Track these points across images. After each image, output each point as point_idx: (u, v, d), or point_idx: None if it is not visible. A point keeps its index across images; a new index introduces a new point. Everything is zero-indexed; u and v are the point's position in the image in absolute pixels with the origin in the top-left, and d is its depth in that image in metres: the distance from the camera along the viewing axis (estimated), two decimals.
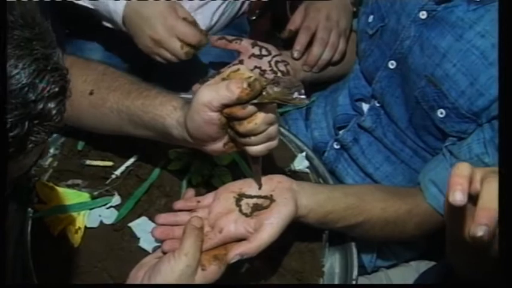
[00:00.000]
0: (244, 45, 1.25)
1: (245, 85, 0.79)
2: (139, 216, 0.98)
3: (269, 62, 1.23)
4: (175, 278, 0.80)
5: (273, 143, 0.85)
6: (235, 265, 0.86)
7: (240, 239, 0.86)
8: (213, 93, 0.80)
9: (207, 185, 1.02)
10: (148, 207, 1.00)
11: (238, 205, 0.89)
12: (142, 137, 0.96)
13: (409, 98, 1.08)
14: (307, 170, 1.10)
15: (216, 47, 1.27)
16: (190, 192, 0.95)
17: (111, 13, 1.18)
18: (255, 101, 0.80)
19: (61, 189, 0.99)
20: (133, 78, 0.96)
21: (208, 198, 0.92)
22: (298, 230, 0.96)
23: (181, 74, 1.29)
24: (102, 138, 1.02)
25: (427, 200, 1.00)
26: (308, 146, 1.17)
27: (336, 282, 0.99)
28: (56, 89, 0.59)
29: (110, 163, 1.04)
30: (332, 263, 1.01)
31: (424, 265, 1.18)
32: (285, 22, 1.35)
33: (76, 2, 1.22)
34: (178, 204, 0.93)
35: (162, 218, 0.90)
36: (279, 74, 1.21)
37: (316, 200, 0.92)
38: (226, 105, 0.80)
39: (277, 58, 1.24)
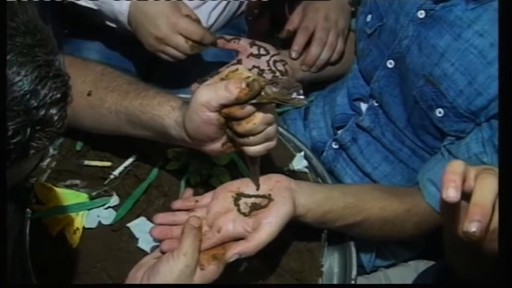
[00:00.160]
0: (243, 44, 1.25)
1: (244, 85, 0.79)
2: (137, 216, 0.98)
3: (267, 61, 1.23)
4: (174, 278, 0.80)
5: (272, 143, 0.85)
6: (233, 265, 0.86)
7: (239, 239, 0.86)
8: (211, 94, 0.80)
9: (205, 184, 1.01)
10: (147, 208, 1.00)
11: (237, 204, 0.89)
12: (140, 137, 0.96)
13: (407, 97, 1.08)
14: (306, 170, 1.10)
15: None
16: (189, 191, 0.95)
17: (116, 13, 1.18)
18: (253, 101, 0.79)
19: (59, 190, 0.98)
20: (132, 79, 0.96)
21: (206, 197, 0.92)
22: (297, 230, 0.96)
23: (179, 74, 1.29)
24: (100, 138, 1.02)
25: (425, 199, 1.00)
26: (306, 145, 1.16)
27: (335, 282, 0.99)
28: (58, 95, 0.59)
29: (108, 163, 1.04)
30: (331, 263, 1.01)
31: (422, 265, 1.18)
32: (283, 22, 1.35)
33: (76, 2, 1.22)
34: (176, 204, 0.92)
35: (161, 217, 0.90)
36: (277, 74, 1.21)
37: (315, 200, 0.92)
38: (224, 106, 0.80)
39: (276, 58, 1.24)
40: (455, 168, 0.64)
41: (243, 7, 1.50)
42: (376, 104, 1.16)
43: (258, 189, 0.90)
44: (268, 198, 0.88)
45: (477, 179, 0.64)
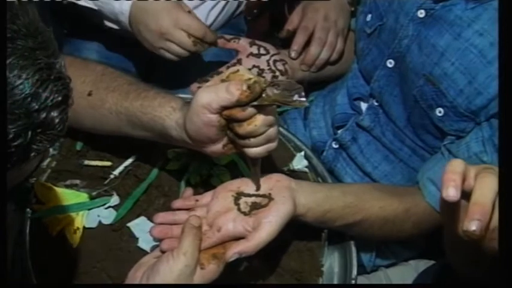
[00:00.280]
0: (242, 44, 1.25)
1: (245, 87, 0.79)
2: (138, 216, 0.98)
3: (267, 61, 1.23)
4: (174, 278, 0.80)
5: (273, 145, 0.85)
6: (233, 264, 0.86)
7: (239, 238, 0.86)
8: (212, 95, 0.80)
9: (205, 184, 1.01)
10: (147, 207, 1.00)
11: (237, 204, 0.89)
12: (141, 138, 0.96)
13: (407, 96, 1.08)
14: (306, 169, 1.10)
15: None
16: (189, 191, 0.95)
17: (117, 14, 1.18)
18: (254, 103, 0.79)
19: (59, 190, 0.98)
20: (132, 79, 0.96)
21: (206, 197, 0.92)
22: (297, 229, 0.96)
23: (179, 74, 1.29)
24: (100, 138, 1.02)
25: (425, 199, 1.00)
26: (307, 145, 1.16)
27: (335, 281, 0.99)
28: (59, 98, 0.59)
29: (108, 163, 1.04)
30: (331, 263, 1.01)
31: (423, 264, 1.18)
32: (283, 22, 1.35)
33: (76, 2, 1.22)
34: (176, 203, 0.92)
35: (161, 217, 0.90)
36: (277, 73, 1.21)
37: (315, 199, 0.92)
38: (225, 107, 0.80)
39: (276, 57, 1.24)
40: (455, 167, 0.64)
41: (242, 7, 1.50)
42: (376, 104, 1.16)
43: (258, 189, 0.90)
44: (269, 197, 0.88)
45: (477, 178, 0.64)
